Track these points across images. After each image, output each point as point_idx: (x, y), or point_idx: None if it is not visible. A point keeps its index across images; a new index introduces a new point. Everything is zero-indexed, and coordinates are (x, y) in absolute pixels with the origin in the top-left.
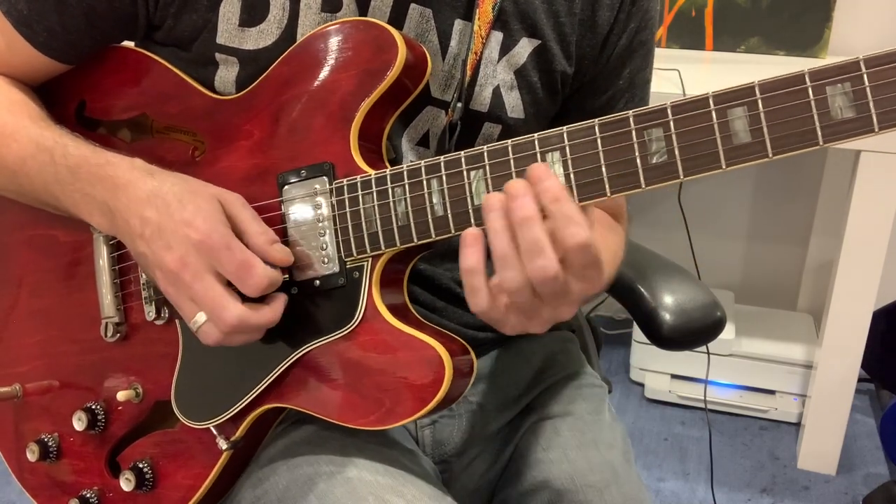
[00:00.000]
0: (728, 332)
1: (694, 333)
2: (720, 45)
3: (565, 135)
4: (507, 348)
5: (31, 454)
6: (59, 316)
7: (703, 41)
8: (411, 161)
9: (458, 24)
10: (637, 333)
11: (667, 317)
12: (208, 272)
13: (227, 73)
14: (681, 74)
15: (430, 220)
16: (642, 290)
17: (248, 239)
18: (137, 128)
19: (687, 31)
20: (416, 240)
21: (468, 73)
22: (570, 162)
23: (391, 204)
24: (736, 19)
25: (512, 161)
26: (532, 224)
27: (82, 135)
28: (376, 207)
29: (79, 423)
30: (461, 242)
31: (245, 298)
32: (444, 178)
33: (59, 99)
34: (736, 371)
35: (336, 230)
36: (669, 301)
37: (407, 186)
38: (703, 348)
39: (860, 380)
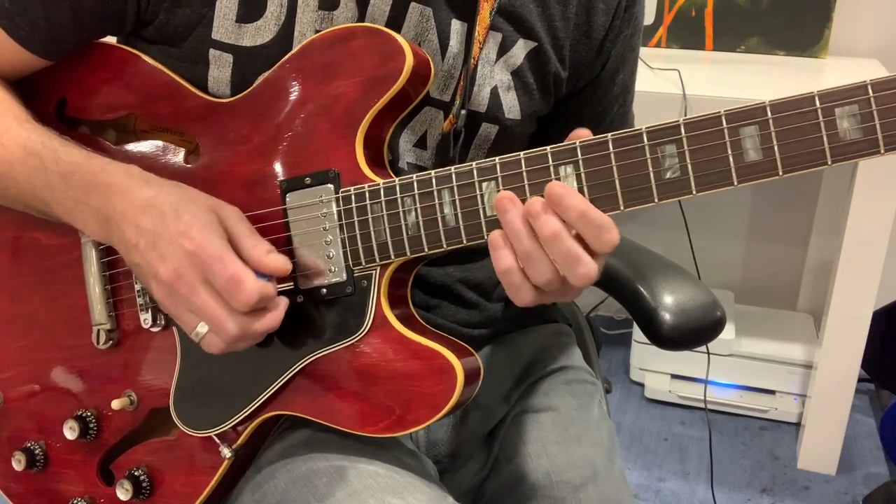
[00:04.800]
0: (728, 332)
1: (694, 333)
2: (720, 45)
3: (579, 149)
4: (500, 343)
5: (17, 463)
6: (44, 321)
7: (703, 41)
8: (407, 163)
9: (455, 24)
10: (637, 333)
11: (667, 317)
12: (202, 284)
13: (220, 73)
14: (681, 74)
15: (441, 230)
16: (642, 290)
17: (243, 252)
18: (121, 128)
19: (687, 31)
20: (427, 250)
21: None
22: (583, 176)
23: (401, 214)
24: (736, 19)
25: (525, 174)
26: (562, 238)
27: (64, 134)
28: (385, 217)
29: (70, 432)
30: (492, 244)
31: None
32: (455, 189)
33: (38, 95)
34: (736, 371)
35: (343, 239)
36: (669, 301)
37: (417, 197)
38: (703, 348)
39: (860, 380)
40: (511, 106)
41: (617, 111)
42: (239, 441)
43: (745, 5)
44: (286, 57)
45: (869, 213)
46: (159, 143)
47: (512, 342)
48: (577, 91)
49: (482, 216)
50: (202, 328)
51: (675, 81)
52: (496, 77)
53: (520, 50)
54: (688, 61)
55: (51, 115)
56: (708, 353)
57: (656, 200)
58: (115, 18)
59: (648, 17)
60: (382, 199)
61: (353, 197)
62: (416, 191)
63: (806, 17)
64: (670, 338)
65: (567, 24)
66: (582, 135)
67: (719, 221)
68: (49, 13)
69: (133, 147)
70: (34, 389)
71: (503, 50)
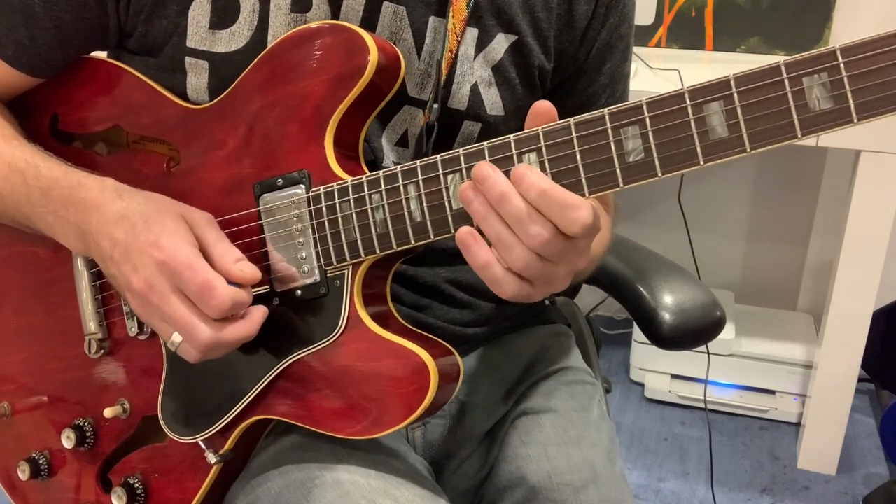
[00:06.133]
0: (728, 332)
1: (694, 333)
2: (720, 45)
3: (541, 135)
4: (498, 344)
5: (23, 473)
6: (44, 333)
7: (703, 41)
8: (392, 162)
9: (433, 22)
10: (637, 333)
11: (667, 317)
12: (174, 293)
13: (197, 81)
14: (681, 74)
15: (408, 226)
16: (642, 290)
17: (213, 259)
18: (112, 140)
19: (687, 31)
20: (395, 247)
21: (444, 71)
22: (546, 163)
23: (369, 211)
24: (736, 19)
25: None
26: (509, 198)
27: (57, 149)
28: (354, 215)
29: (67, 441)
30: (461, 245)
31: None
32: (420, 182)
33: (31, 113)
34: (736, 371)
35: (315, 239)
36: (669, 301)
37: (384, 193)
38: (703, 348)
39: (860, 380)
40: (493, 102)
41: (605, 102)
42: (225, 447)
43: (745, 5)
44: (256, 59)
45: (869, 213)
46: (147, 153)
47: (511, 343)
48: (561, 82)
49: (448, 209)
50: (176, 337)
51: (674, 81)
52: (476, 73)
53: (499, 44)
54: (688, 61)
55: (45, 131)
56: (708, 353)
57: (621, 185)
58: (99, 32)
59: (648, 17)
60: (351, 196)
61: (322, 196)
62: (382, 187)
63: (806, 17)
64: (670, 338)
65: (550, 15)
66: (540, 110)
67: (719, 221)
68: (33, 33)
69: (122, 159)
70: (38, 400)
71: (481, 45)
